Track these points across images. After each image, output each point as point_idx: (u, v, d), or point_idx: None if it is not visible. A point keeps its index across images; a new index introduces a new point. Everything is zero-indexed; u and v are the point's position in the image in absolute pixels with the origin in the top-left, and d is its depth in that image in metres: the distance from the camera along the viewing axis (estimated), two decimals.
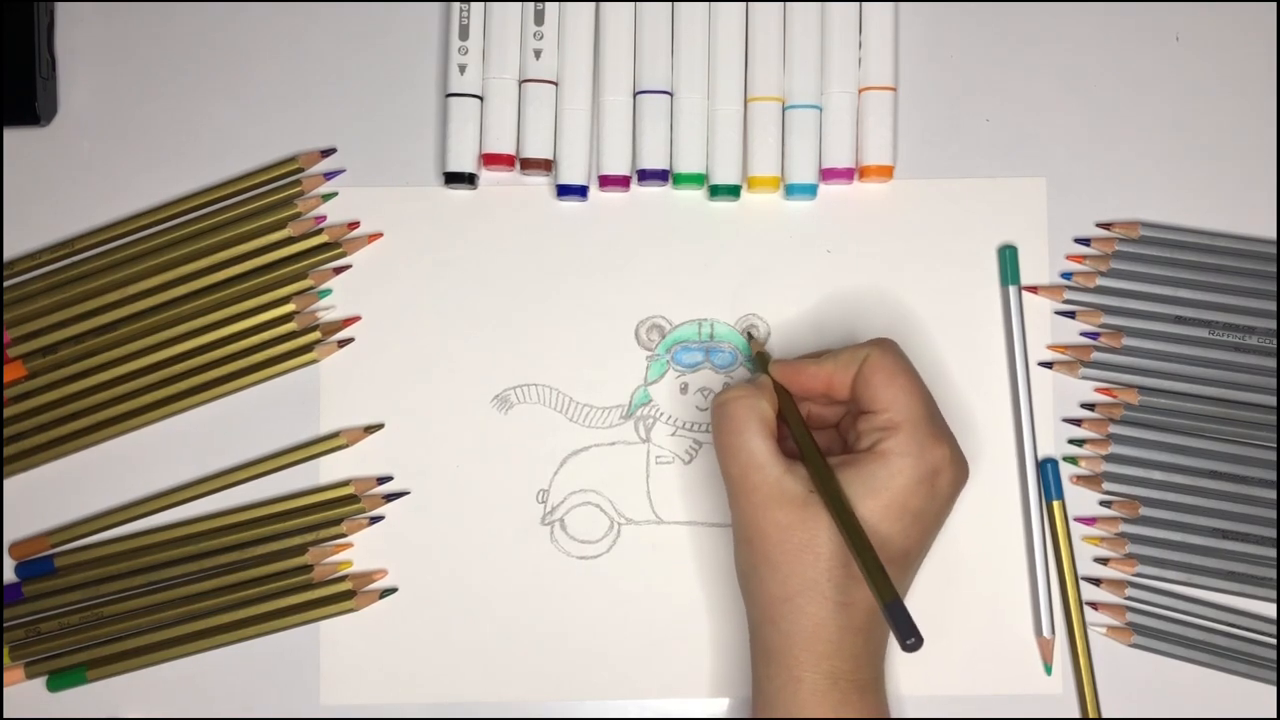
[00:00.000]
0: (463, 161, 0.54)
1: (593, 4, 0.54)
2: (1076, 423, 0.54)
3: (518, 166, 0.54)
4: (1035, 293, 0.54)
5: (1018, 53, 0.55)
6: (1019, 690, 0.53)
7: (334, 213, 0.55)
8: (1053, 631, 0.53)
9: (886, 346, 0.47)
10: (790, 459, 0.46)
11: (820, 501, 0.44)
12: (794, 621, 0.44)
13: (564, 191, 0.54)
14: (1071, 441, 0.54)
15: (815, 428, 0.49)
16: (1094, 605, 0.53)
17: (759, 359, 0.52)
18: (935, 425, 0.46)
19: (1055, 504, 0.53)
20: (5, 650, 0.53)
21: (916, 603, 0.48)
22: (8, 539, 0.54)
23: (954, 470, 0.45)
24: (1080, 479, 0.53)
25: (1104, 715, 0.52)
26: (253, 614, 0.53)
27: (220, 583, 0.53)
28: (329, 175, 0.55)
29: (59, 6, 0.55)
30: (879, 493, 0.44)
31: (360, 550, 0.54)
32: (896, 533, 0.44)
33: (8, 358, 0.54)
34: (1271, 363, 0.53)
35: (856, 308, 0.54)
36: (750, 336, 0.54)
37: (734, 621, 0.53)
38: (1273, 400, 0.53)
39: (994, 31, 0.55)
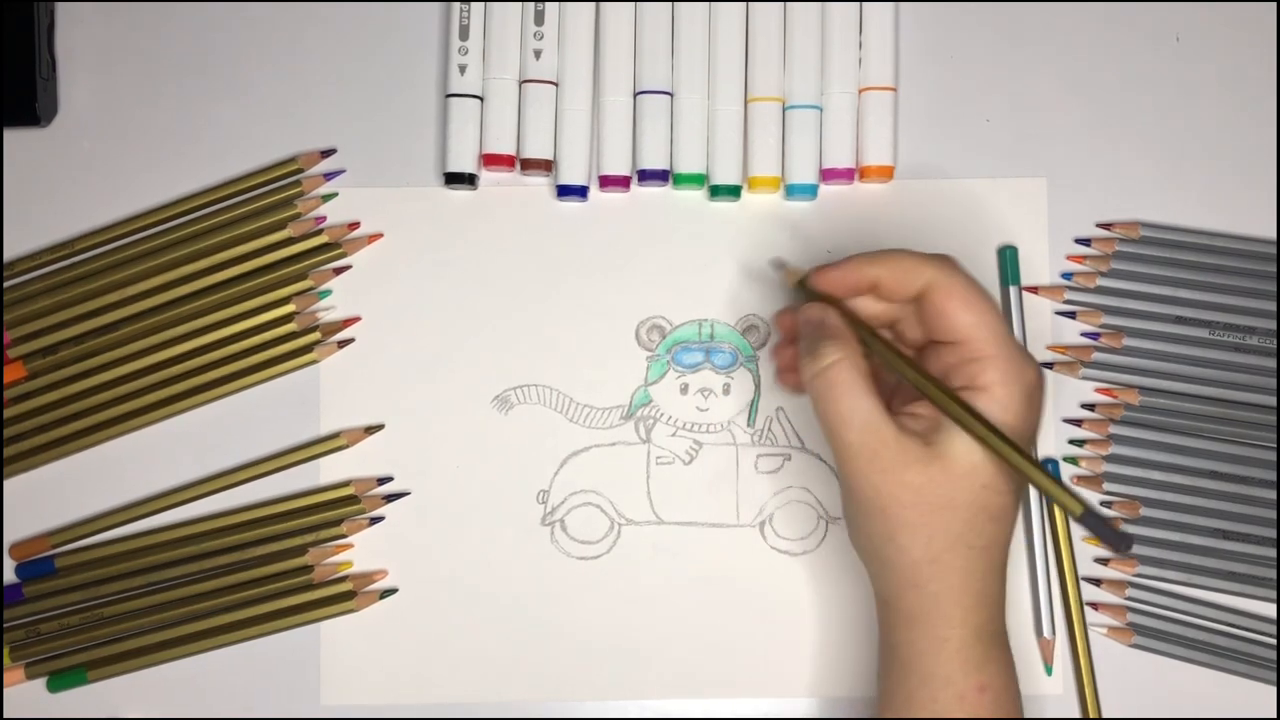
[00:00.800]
0: (463, 162, 0.54)
1: (593, 4, 0.54)
2: (1077, 423, 0.54)
3: (518, 167, 0.54)
4: (1036, 293, 0.54)
5: (1018, 53, 0.55)
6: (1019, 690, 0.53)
7: (334, 213, 0.55)
8: (1053, 632, 0.53)
9: (951, 267, 0.44)
10: (897, 413, 0.43)
11: (948, 452, 0.42)
12: (942, 580, 0.42)
13: (564, 192, 0.54)
14: (1072, 442, 0.54)
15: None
16: (1094, 605, 0.53)
17: (801, 287, 0.47)
18: (1019, 343, 0.44)
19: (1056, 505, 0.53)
20: (5, 651, 0.53)
21: None
22: (8, 539, 0.54)
23: (1043, 383, 0.43)
24: (1081, 479, 0.53)
25: (1104, 716, 0.52)
26: (253, 614, 0.53)
27: (221, 583, 0.53)
28: (329, 176, 0.55)
29: (59, 7, 0.55)
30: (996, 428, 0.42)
31: (361, 551, 0.54)
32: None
33: (8, 358, 0.54)
34: (1272, 363, 0.53)
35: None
36: (784, 266, 0.50)
37: (734, 621, 0.53)
38: (1273, 400, 0.53)
39: (994, 31, 0.55)
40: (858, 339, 0.44)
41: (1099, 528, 0.39)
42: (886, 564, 0.43)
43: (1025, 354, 0.43)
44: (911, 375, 0.43)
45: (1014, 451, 0.41)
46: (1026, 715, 0.52)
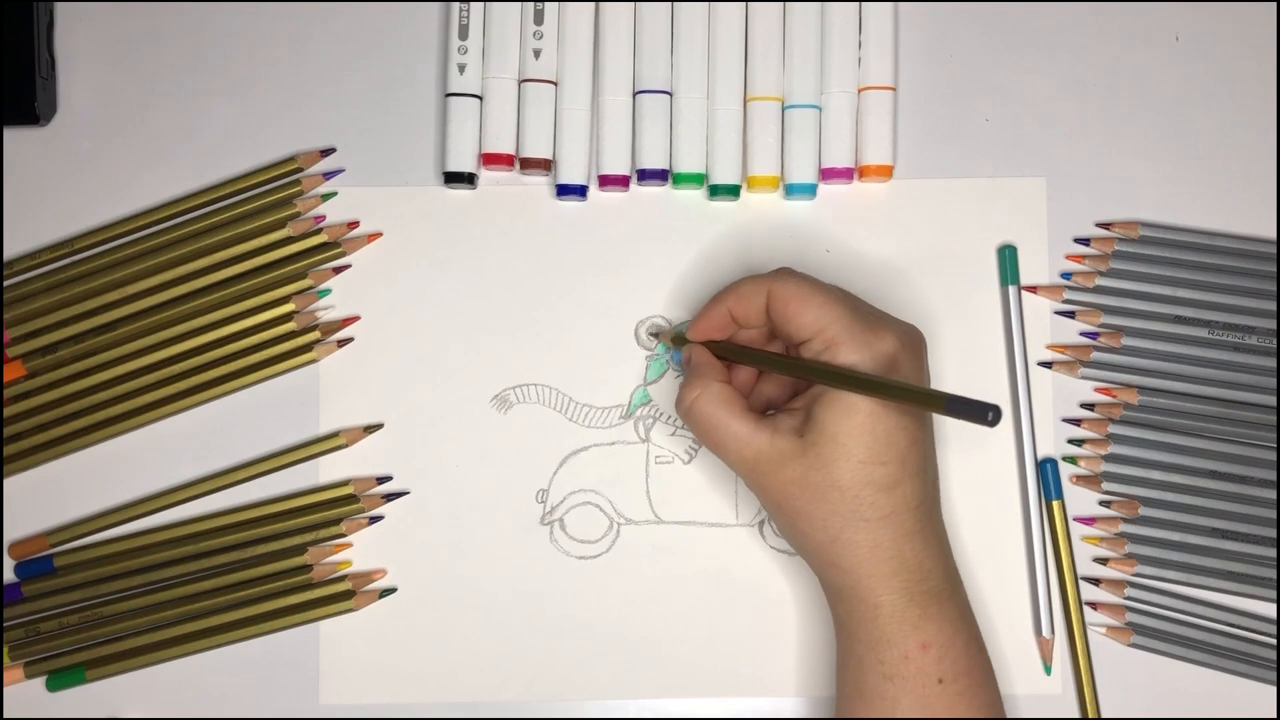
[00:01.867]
0: (462, 161, 0.54)
1: (592, 4, 0.54)
2: (1076, 423, 0.54)
3: (517, 166, 0.54)
4: (1035, 292, 0.54)
5: (1018, 53, 0.55)
6: (1019, 690, 0.53)
7: (333, 212, 0.55)
8: (1052, 631, 0.53)
9: (786, 274, 0.47)
10: (764, 415, 0.47)
11: (818, 440, 0.44)
12: (850, 554, 0.44)
13: (563, 191, 0.54)
14: (1071, 441, 0.54)
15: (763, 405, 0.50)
16: (1093, 605, 0.53)
17: (677, 341, 0.52)
18: (869, 319, 0.45)
19: (1055, 504, 0.53)
20: (5, 650, 0.53)
21: None
22: (7, 539, 0.54)
23: (909, 349, 0.46)
24: (1080, 479, 0.53)
25: (1104, 715, 0.52)
26: (252, 614, 0.53)
27: (220, 582, 0.53)
28: (328, 175, 0.55)
29: (59, 6, 0.55)
30: (854, 411, 0.44)
31: (360, 550, 0.54)
32: (893, 429, 0.44)
33: (7, 357, 0.54)
34: (1271, 363, 0.53)
35: None
36: (655, 334, 0.54)
37: (733, 620, 0.53)
38: (1272, 400, 0.53)
39: (994, 31, 0.55)
40: (725, 363, 0.49)
41: (966, 409, 0.40)
42: (801, 551, 0.47)
43: (879, 328, 0.45)
44: (771, 361, 0.47)
45: (878, 383, 0.43)
46: (1027, 715, 0.52)
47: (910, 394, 0.42)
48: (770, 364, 0.48)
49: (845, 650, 0.46)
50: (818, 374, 0.45)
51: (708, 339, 0.49)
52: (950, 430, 0.53)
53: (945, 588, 0.45)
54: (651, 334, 0.54)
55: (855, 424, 0.44)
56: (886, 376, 0.44)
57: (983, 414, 0.39)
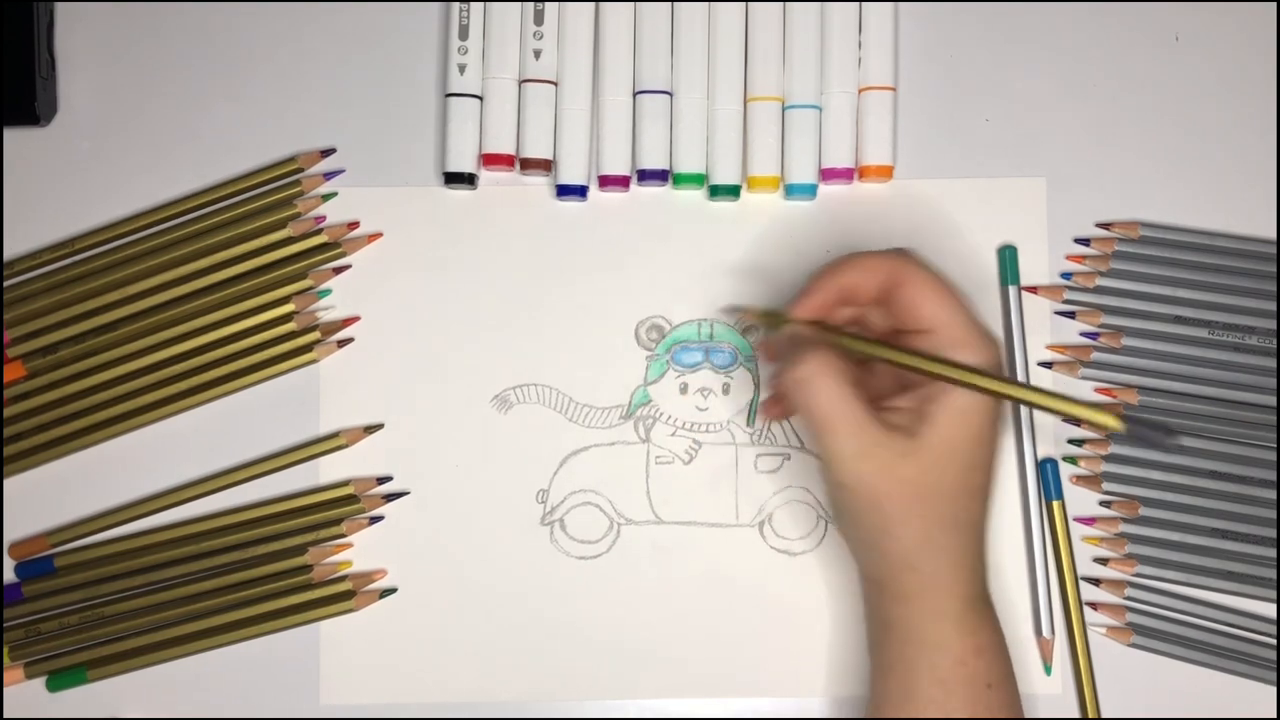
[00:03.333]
0: (462, 161, 0.54)
1: (592, 4, 0.54)
2: (1076, 423, 0.54)
3: (517, 166, 0.54)
4: (1035, 293, 0.54)
5: (1018, 53, 0.55)
6: (1019, 690, 0.53)
7: (334, 213, 0.55)
8: (1052, 632, 0.53)
9: (912, 259, 0.45)
10: (879, 409, 0.44)
11: (933, 441, 0.43)
12: (935, 560, 0.43)
13: (564, 191, 0.54)
14: (1071, 441, 0.54)
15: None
16: (1094, 605, 0.53)
17: (769, 321, 0.49)
18: (980, 322, 0.44)
19: (1055, 504, 0.53)
20: (5, 650, 0.53)
21: None
22: (7, 539, 0.54)
23: (999, 356, 0.44)
24: (1080, 479, 0.53)
25: (1104, 715, 0.52)
26: (253, 614, 0.53)
27: (220, 583, 0.53)
28: (329, 175, 0.55)
29: (59, 6, 0.55)
30: (971, 411, 0.43)
31: (360, 550, 0.54)
32: (995, 436, 0.44)
33: (7, 357, 0.54)
34: (1271, 363, 0.53)
35: None
36: (734, 310, 0.53)
37: (733, 621, 0.53)
38: (1272, 400, 0.53)
39: (994, 31, 0.55)
40: (829, 346, 0.45)
41: (1146, 434, 0.40)
42: (882, 553, 0.44)
43: (989, 332, 0.44)
44: (892, 355, 0.44)
45: (1022, 388, 0.42)
46: (1027, 715, 0.52)
47: (1078, 409, 0.41)
48: (879, 350, 0.44)
49: (893, 654, 0.45)
50: (947, 370, 0.42)
51: (816, 317, 0.46)
52: None
53: (989, 594, 0.45)
54: (729, 312, 0.51)
55: (971, 430, 0.43)
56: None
57: (1160, 441, 0.39)
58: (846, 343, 0.45)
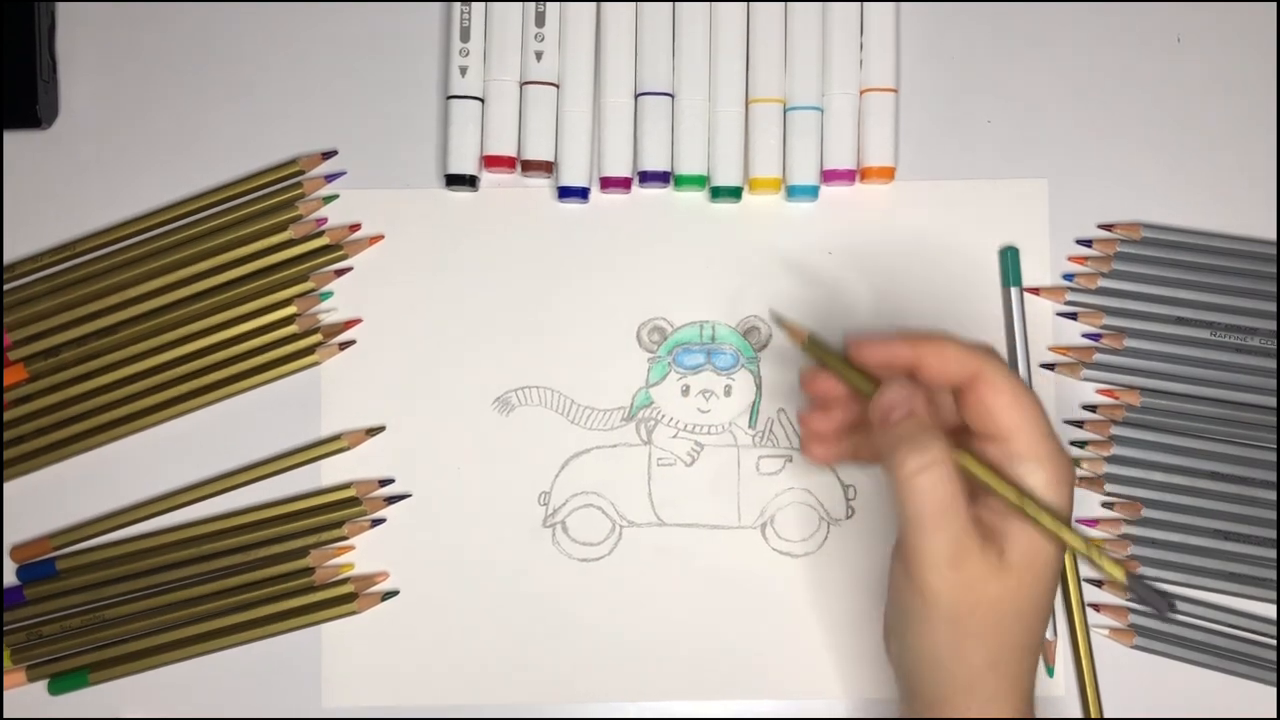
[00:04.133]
0: (464, 163, 0.54)
1: (594, 5, 0.54)
2: (1078, 424, 0.54)
3: (519, 168, 0.54)
4: (1037, 294, 0.54)
5: (1019, 54, 0.55)
6: None
7: (335, 215, 0.55)
8: (1054, 633, 0.53)
9: (997, 360, 0.42)
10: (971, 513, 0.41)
11: (1022, 561, 0.41)
12: (998, 683, 0.42)
13: (565, 193, 0.54)
14: (1073, 443, 0.54)
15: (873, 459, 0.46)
16: (1096, 607, 0.53)
17: (812, 347, 0.46)
18: (1058, 437, 0.42)
19: None
20: (6, 653, 0.53)
21: None
22: (9, 542, 0.54)
23: (1073, 477, 0.43)
24: (1082, 480, 0.53)
25: (1106, 716, 0.52)
26: (254, 617, 0.53)
27: (222, 585, 0.53)
28: (330, 177, 0.55)
29: (60, 8, 0.55)
30: (1050, 538, 0.41)
31: (362, 553, 0.54)
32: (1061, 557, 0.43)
33: (9, 360, 0.54)
34: (1272, 364, 0.53)
35: (857, 309, 0.54)
36: (780, 320, 0.48)
37: (735, 623, 0.53)
38: (1274, 401, 0.53)
39: (995, 32, 0.55)
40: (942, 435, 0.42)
41: (1148, 596, 0.41)
42: (948, 672, 0.42)
43: (1064, 449, 0.42)
44: (1001, 488, 0.41)
45: (1088, 546, 0.41)
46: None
47: (1099, 556, 0.41)
48: (991, 480, 0.41)
49: None
50: (1043, 518, 0.41)
51: (870, 367, 0.44)
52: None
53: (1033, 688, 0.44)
54: (775, 319, 0.49)
55: (1052, 553, 0.41)
56: (1070, 508, 0.42)
57: (1160, 604, 0.39)
58: (979, 470, 0.42)
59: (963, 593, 0.41)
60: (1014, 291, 0.54)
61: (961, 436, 0.43)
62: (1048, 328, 0.54)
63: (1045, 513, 0.41)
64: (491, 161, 0.54)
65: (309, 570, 0.53)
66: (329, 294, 0.54)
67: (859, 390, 0.44)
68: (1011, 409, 0.41)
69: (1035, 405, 0.42)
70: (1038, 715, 0.52)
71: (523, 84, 0.54)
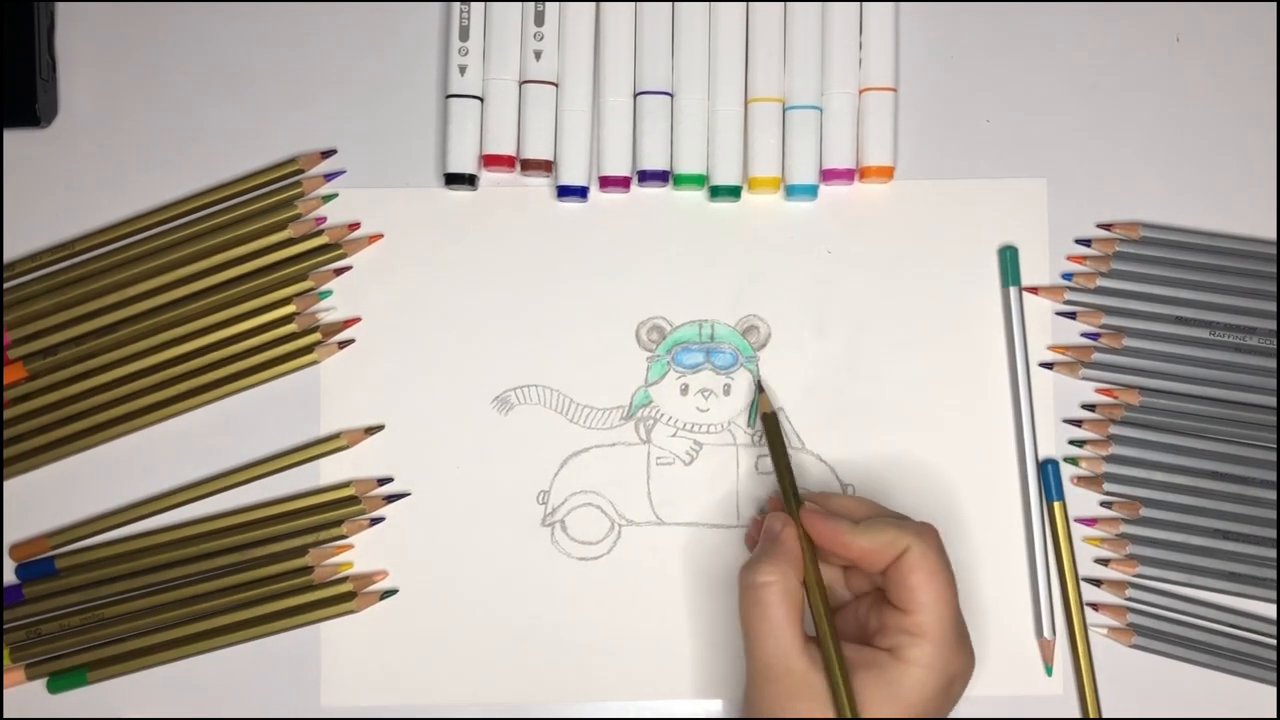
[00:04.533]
0: (463, 163, 0.54)
1: (593, 4, 0.54)
2: (1077, 423, 0.54)
3: (518, 167, 0.54)
4: (1036, 293, 0.54)
5: (1018, 53, 0.55)
6: (1019, 691, 0.53)
7: (334, 214, 0.55)
8: (1053, 632, 0.53)
9: (929, 540, 0.45)
10: (810, 639, 0.45)
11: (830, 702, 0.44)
12: None
13: (564, 192, 0.54)
14: (1072, 442, 0.54)
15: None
16: (1095, 606, 0.53)
17: (766, 420, 0.51)
18: (960, 632, 0.45)
19: (1056, 505, 0.53)
20: (6, 651, 0.53)
21: None
22: (8, 540, 0.54)
23: (967, 674, 0.45)
24: (1081, 480, 0.53)
25: (1105, 716, 0.52)
26: (253, 615, 0.53)
27: (221, 584, 0.53)
28: (329, 176, 0.55)
29: (59, 8, 0.55)
30: (899, 702, 0.43)
31: (361, 551, 0.54)
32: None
33: (8, 359, 0.54)
34: (1272, 363, 0.53)
35: (857, 308, 0.54)
36: (760, 390, 0.53)
37: (734, 622, 0.53)
38: (1273, 401, 0.53)
39: (994, 32, 0.55)
40: (802, 565, 0.46)
41: None
42: None
43: (962, 643, 0.45)
44: (822, 639, 0.45)
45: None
46: (1027, 715, 0.53)
47: None
48: (820, 623, 0.45)
49: None
50: (840, 695, 0.44)
51: (815, 535, 0.47)
52: (953, 430, 0.53)
53: None
54: (757, 384, 0.53)
55: (883, 714, 0.43)
56: (940, 699, 0.44)
57: None
58: (810, 586, 0.46)
59: (777, 707, 0.44)
60: (1013, 291, 0.54)
61: (875, 599, 0.47)
62: (1047, 327, 0.54)
63: (848, 687, 0.44)
64: (491, 160, 0.54)
65: (308, 569, 0.53)
66: (328, 293, 0.54)
67: (782, 485, 0.49)
68: (924, 588, 0.44)
69: (947, 592, 0.44)
70: (1037, 715, 0.52)
71: (522, 83, 0.54)
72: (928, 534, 0.45)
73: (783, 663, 0.44)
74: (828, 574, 0.49)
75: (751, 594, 0.45)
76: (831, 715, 0.43)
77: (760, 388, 0.53)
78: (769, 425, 0.51)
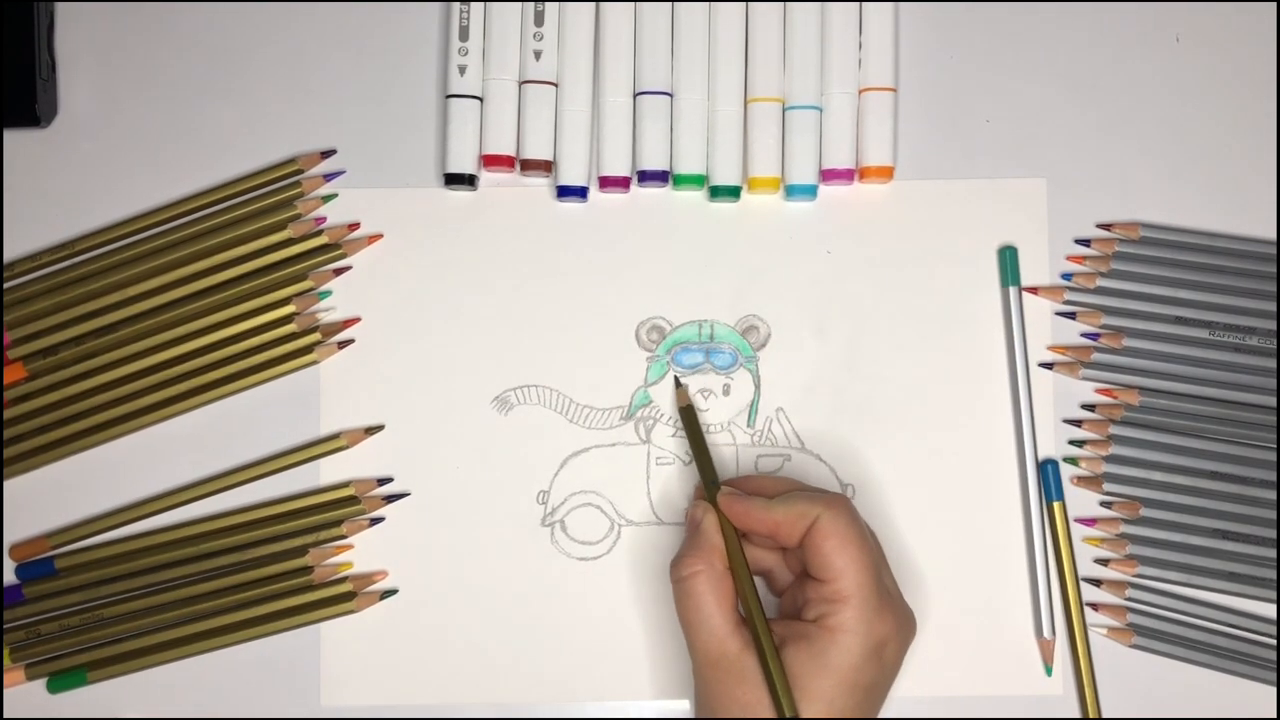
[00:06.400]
0: (463, 163, 0.54)
1: (593, 4, 0.54)
2: (1077, 423, 0.54)
3: (518, 168, 0.54)
4: (1035, 293, 0.54)
5: (1018, 53, 0.55)
6: (1019, 691, 0.53)
7: (334, 214, 0.55)
8: (1053, 632, 0.53)
9: (839, 508, 0.46)
10: (743, 620, 0.46)
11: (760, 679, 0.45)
12: None
13: (564, 193, 0.54)
14: (1072, 442, 0.54)
15: (755, 570, 0.49)
16: (1094, 606, 0.53)
17: (683, 413, 0.52)
18: (882, 595, 0.45)
19: (1056, 505, 0.53)
20: (6, 652, 0.53)
21: (918, 603, 0.48)
22: (8, 540, 0.54)
23: (900, 636, 0.45)
24: (1081, 480, 0.53)
25: (1104, 716, 0.52)
26: (253, 615, 0.53)
27: (221, 584, 0.53)
28: (329, 176, 0.55)
29: (59, 7, 0.55)
30: (829, 671, 0.44)
31: (361, 552, 0.54)
32: (850, 707, 0.44)
33: (8, 359, 0.54)
34: (1272, 363, 0.53)
35: (856, 308, 0.54)
36: (677, 384, 0.53)
37: None
38: (1273, 401, 0.53)
39: (994, 32, 0.55)
40: (727, 548, 0.47)
41: None
42: None
43: (887, 605, 0.45)
44: (749, 612, 0.46)
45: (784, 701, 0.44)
46: (1027, 715, 0.53)
47: None
48: (748, 601, 0.46)
49: None
50: (770, 664, 0.44)
51: (731, 517, 0.48)
52: (953, 430, 0.53)
53: None
54: (675, 380, 0.53)
55: (817, 688, 0.44)
56: (871, 662, 0.44)
57: None
58: (736, 567, 0.47)
59: (717, 690, 0.45)
60: (1012, 291, 0.54)
61: (804, 576, 0.47)
62: (1046, 327, 0.54)
63: (777, 663, 0.44)
64: (490, 161, 0.54)
65: (308, 569, 0.53)
66: (328, 293, 0.54)
67: (701, 473, 0.50)
68: (837, 553, 0.45)
69: (863, 554, 0.45)
70: (1037, 715, 0.52)
71: (522, 83, 0.54)
72: (838, 503, 0.46)
73: (718, 648, 0.45)
74: (768, 558, 0.50)
75: (680, 587, 0.47)
76: (767, 696, 0.44)
77: (677, 383, 0.53)
78: (686, 417, 0.52)
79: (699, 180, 0.54)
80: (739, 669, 0.45)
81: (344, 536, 0.53)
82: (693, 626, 0.46)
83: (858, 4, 0.54)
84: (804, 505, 0.46)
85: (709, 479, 0.49)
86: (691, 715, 0.53)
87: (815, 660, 0.44)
